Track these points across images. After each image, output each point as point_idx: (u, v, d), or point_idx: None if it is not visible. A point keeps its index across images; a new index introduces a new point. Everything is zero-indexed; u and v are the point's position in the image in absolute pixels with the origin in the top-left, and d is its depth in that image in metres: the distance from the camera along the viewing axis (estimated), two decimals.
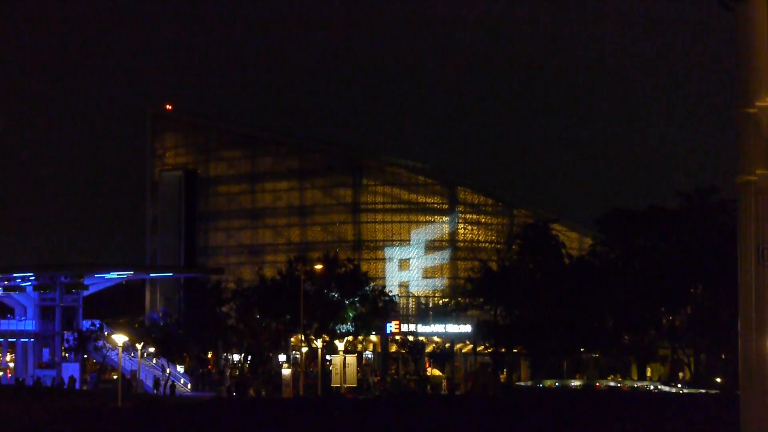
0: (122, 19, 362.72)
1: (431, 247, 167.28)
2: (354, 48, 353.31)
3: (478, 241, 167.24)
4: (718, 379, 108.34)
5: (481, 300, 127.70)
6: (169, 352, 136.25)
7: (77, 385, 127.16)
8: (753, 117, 13.47)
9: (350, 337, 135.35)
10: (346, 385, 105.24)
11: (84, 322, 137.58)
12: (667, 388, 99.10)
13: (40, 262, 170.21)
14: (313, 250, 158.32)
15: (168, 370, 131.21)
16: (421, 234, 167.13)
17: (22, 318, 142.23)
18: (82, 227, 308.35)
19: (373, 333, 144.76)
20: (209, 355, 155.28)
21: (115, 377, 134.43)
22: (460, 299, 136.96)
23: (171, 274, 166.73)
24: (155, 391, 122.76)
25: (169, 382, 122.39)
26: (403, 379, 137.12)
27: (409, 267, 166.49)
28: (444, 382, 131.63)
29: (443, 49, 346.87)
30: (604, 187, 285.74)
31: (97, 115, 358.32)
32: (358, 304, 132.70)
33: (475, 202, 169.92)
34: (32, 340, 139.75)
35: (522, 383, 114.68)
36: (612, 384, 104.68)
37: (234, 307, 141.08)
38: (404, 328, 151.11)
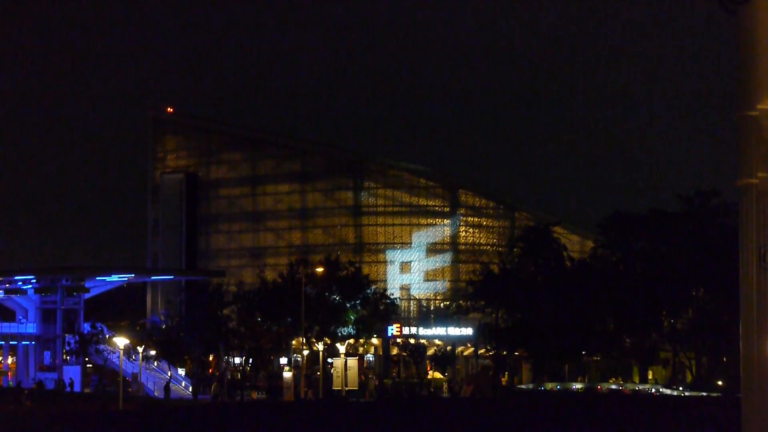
0: (123, 21, 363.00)
1: (432, 249, 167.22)
2: (355, 50, 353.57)
3: (480, 244, 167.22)
4: (720, 382, 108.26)
5: (483, 303, 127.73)
6: (170, 355, 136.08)
7: (77, 388, 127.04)
8: (754, 119, 13.43)
9: (351, 340, 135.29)
10: (347, 388, 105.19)
11: (85, 324, 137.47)
12: (668, 391, 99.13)
13: (41, 265, 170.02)
14: (315, 253, 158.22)
15: (170, 373, 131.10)
16: (422, 237, 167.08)
17: (23, 321, 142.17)
18: (83, 230, 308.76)
19: (375, 336, 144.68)
20: (210, 358, 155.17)
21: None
22: (461, 302, 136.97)
23: (172, 276, 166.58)
24: (156, 394, 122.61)
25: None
26: (403, 382, 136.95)
27: (411, 270, 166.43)
28: (445, 385, 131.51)
29: (445, 51, 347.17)
30: (606, 190, 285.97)
31: (99, 118, 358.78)
32: (359, 307, 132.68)
33: (477, 204, 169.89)
34: (33, 342, 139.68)
35: (523, 386, 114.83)
36: (613, 387, 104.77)
37: (235, 310, 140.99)
38: (405, 330, 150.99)
